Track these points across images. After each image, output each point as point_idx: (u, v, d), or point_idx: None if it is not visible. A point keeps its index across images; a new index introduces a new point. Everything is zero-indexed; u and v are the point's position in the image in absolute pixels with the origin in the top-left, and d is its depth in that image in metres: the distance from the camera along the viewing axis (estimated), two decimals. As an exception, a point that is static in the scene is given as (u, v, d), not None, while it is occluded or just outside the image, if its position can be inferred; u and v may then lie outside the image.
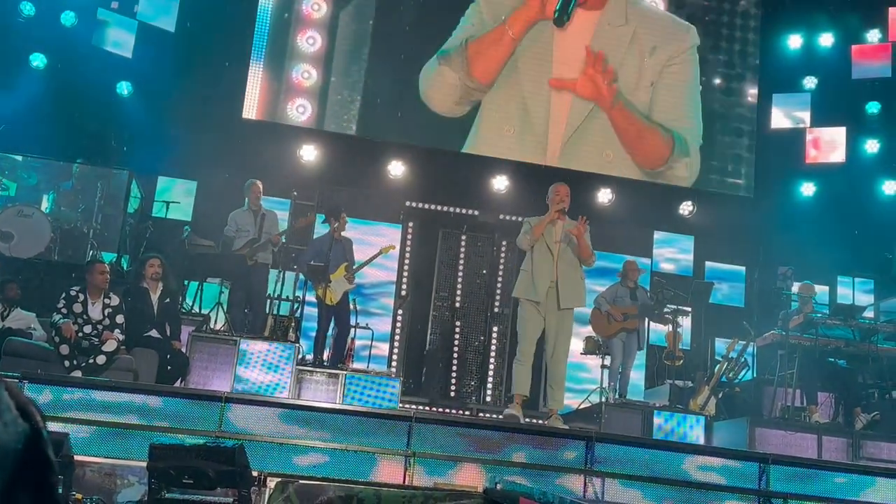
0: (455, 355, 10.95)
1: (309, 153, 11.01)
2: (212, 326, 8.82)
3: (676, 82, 11.43)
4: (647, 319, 9.54)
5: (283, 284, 9.18)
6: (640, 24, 11.35)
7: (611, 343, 9.29)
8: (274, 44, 11.15)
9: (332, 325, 8.86)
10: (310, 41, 11.25)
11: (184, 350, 7.83)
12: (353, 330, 8.99)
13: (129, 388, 6.22)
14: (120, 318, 7.25)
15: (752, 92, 12.04)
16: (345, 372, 8.20)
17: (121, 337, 7.15)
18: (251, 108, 10.97)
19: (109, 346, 6.97)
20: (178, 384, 7.42)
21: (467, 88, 11.05)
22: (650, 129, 11.28)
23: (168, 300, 7.74)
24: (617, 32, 11.27)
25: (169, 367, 7.46)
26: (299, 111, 11.15)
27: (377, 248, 9.37)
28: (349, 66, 11.26)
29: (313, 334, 9.29)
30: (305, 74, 11.21)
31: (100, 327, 7.13)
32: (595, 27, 11.25)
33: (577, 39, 11.18)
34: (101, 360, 6.91)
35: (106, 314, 7.19)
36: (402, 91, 11.15)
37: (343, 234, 8.93)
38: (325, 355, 8.71)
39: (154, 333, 7.54)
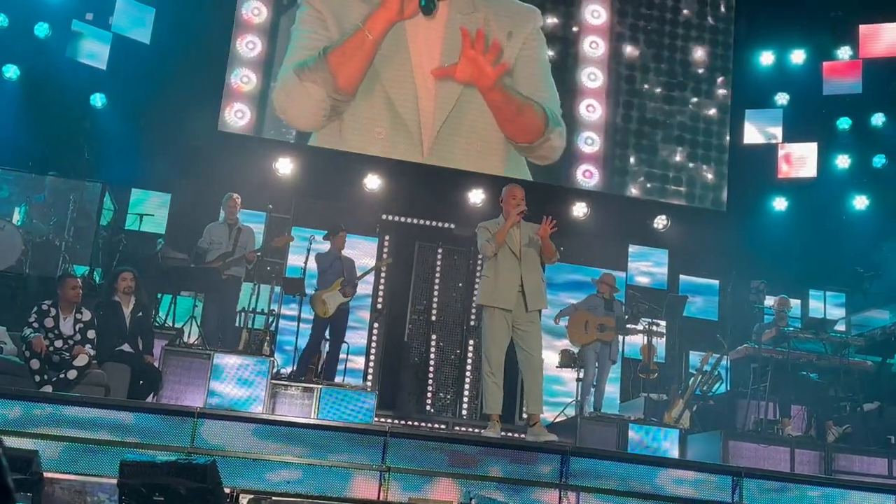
0: (431, 369, 10.92)
1: (285, 166, 10.97)
2: (185, 340, 8.76)
3: (533, 61, 11.55)
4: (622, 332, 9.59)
5: (257, 298, 9.13)
6: (489, 10, 11.37)
7: (585, 353, 9.30)
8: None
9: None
10: (249, 46, 11.13)
11: (156, 364, 7.77)
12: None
13: (101, 403, 6.13)
14: (91, 334, 7.17)
15: (724, 108, 12.17)
16: (320, 386, 8.18)
17: (92, 352, 7.07)
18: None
19: (80, 360, 6.90)
20: (150, 399, 7.35)
21: (335, 101, 10.90)
22: (527, 104, 11.37)
23: (141, 314, 7.66)
24: (468, 20, 11.27)
25: (141, 382, 7.39)
26: (237, 116, 10.96)
27: (353, 260, 9.45)
28: None
29: (288, 348, 9.27)
30: (245, 79, 11.05)
31: (71, 342, 7.06)
32: (446, 18, 11.26)
33: (429, 32, 11.20)
34: (71, 374, 6.84)
35: (77, 329, 7.12)
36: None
37: (343, 252, 9.19)
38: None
39: (126, 348, 7.46)
